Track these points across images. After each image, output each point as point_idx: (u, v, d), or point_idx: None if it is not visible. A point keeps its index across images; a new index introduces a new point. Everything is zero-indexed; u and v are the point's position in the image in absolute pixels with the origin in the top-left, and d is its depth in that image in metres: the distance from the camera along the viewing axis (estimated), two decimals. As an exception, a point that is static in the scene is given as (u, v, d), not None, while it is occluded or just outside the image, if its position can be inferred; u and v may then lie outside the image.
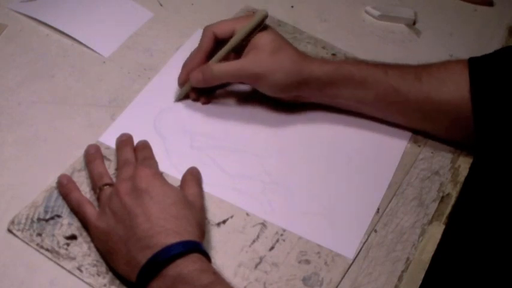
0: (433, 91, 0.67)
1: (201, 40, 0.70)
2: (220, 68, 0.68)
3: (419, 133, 0.72)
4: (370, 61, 0.72)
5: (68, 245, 0.58)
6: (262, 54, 0.66)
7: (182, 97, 0.72)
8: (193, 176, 0.63)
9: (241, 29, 0.67)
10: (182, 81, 0.71)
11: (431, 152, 0.71)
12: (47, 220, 0.59)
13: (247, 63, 0.67)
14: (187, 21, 0.82)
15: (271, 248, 0.61)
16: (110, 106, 0.70)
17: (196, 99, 0.72)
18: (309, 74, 0.67)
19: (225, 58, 0.69)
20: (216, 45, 0.69)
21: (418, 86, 0.67)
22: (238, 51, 0.69)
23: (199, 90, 0.71)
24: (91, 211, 0.58)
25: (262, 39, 0.67)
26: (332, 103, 0.71)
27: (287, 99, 0.70)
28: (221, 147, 0.68)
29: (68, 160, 0.64)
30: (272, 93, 0.69)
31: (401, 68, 0.70)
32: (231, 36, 0.68)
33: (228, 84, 0.73)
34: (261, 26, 0.68)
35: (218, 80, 0.69)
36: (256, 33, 0.68)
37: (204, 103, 0.72)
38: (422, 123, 0.70)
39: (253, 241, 0.61)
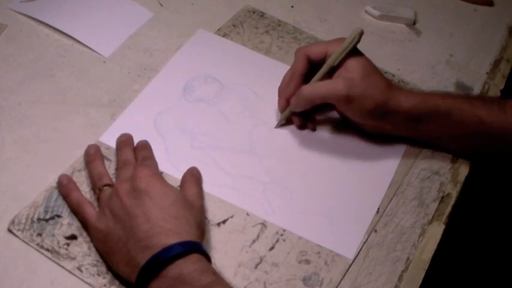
0: None
1: (295, 63, 0.68)
2: (311, 89, 0.66)
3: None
4: (454, 92, 0.72)
5: (68, 245, 0.58)
6: (354, 77, 0.64)
7: (283, 123, 0.71)
8: (193, 176, 0.63)
9: (340, 48, 0.65)
10: (282, 108, 0.70)
11: (431, 152, 0.71)
12: (47, 220, 0.59)
13: (338, 85, 0.65)
14: (187, 21, 0.82)
15: (271, 248, 0.61)
16: (110, 106, 0.70)
17: (301, 126, 0.70)
18: (395, 105, 0.65)
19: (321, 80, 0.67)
20: (309, 67, 0.68)
21: (503, 116, 0.66)
22: (331, 74, 0.67)
23: (302, 115, 0.70)
24: (91, 211, 0.58)
25: (354, 62, 0.65)
26: (414, 136, 0.69)
27: (370, 128, 0.69)
28: (221, 147, 0.68)
29: (68, 160, 0.64)
30: (357, 119, 0.67)
31: (484, 99, 0.70)
32: (323, 59, 0.67)
33: (329, 106, 0.70)
34: (357, 43, 0.65)
35: (309, 102, 0.66)
36: (349, 56, 0.65)
37: (312, 129, 0.71)
38: (502, 151, 0.70)
39: (253, 241, 0.61)
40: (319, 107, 0.70)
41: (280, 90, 0.71)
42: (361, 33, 0.65)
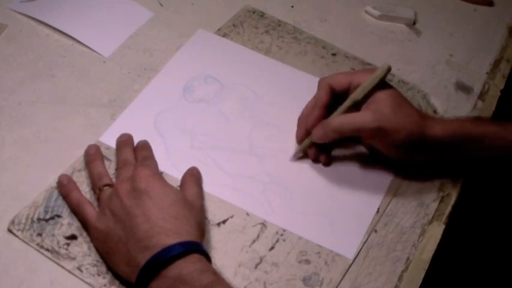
0: None
1: (318, 93, 0.66)
2: (341, 121, 0.64)
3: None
4: (483, 117, 0.71)
5: (68, 245, 0.58)
6: (385, 109, 0.63)
7: (301, 155, 0.68)
8: (193, 176, 0.63)
9: (365, 83, 0.63)
10: (301, 138, 0.68)
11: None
12: (47, 220, 0.59)
13: (368, 117, 0.63)
14: (187, 21, 0.82)
15: (271, 248, 0.61)
16: (110, 106, 0.70)
17: (315, 159, 0.68)
18: (430, 135, 0.63)
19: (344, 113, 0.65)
20: (332, 98, 0.66)
21: None
22: (356, 106, 0.65)
23: (318, 147, 0.67)
24: (91, 211, 0.58)
25: (383, 94, 0.63)
26: (444, 162, 0.67)
27: (398, 158, 0.66)
28: (221, 147, 0.68)
29: (68, 160, 0.64)
30: (388, 151, 0.65)
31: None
32: (347, 90, 0.65)
33: (344, 141, 0.69)
34: (384, 79, 0.64)
35: (338, 133, 0.64)
36: (377, 89, 0.64)
37: (325, 163, 0.68)
38: None
39: (253, 241, 0.61)
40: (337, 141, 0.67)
41: (300, 120, 0.68)
42: (389, 69, 0.63)
